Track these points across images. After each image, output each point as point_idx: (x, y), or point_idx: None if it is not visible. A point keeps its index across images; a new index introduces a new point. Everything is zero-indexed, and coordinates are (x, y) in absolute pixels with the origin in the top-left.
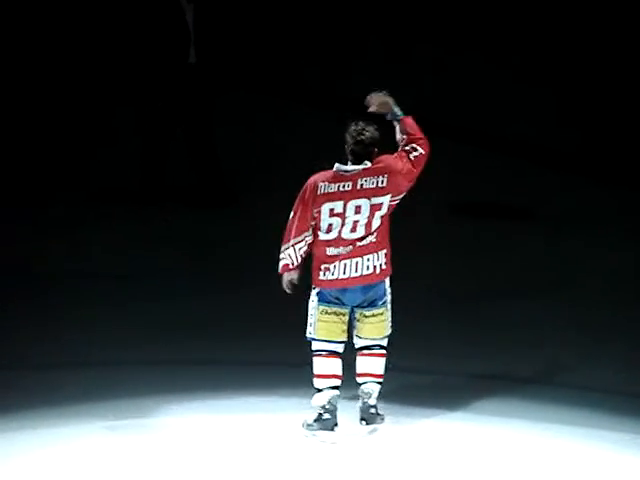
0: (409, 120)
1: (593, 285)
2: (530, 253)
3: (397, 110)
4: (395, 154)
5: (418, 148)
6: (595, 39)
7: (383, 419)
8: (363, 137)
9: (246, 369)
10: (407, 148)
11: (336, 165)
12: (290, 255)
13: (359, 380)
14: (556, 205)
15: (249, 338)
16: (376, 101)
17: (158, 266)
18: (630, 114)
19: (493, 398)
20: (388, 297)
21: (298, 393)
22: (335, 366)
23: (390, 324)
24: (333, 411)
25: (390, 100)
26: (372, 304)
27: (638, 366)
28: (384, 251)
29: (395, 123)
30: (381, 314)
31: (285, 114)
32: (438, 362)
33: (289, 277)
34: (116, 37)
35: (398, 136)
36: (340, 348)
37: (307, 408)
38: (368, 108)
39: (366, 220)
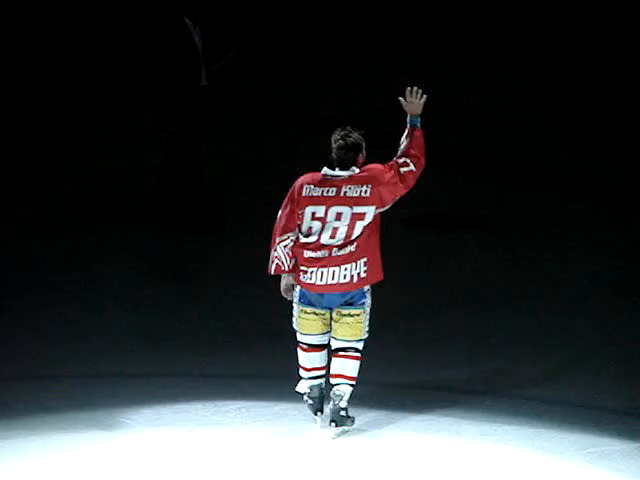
0: (419, 134)
1: (550, 295)
2: (486, 263)
3: (416, 119)
4: (386, 164)
5: (410, 164)
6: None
7: (353, 422)
8: (345, 142)
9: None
10: (400, 161)
11: (324, 169)
12: (280, 256)
13: (332, 381)
14: (511, 216)
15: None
16: (414, 99)
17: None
18: (583, 123)
19: (443, 410)
20: (367, 300)
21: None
22: (315, 359)
23: (367, 329)
24: (315, 398)
25: (421, 106)
26: (350, 304)
27: (588, 375)
28: (363, 260)
29: (407, 129)
30: (358, 315)
31: (274, 133)
32: (389, 372)
33: (286, 281)
34: (126, 61)
35: (401, 140)
36: (323, 340)
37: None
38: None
39: (346, 228)
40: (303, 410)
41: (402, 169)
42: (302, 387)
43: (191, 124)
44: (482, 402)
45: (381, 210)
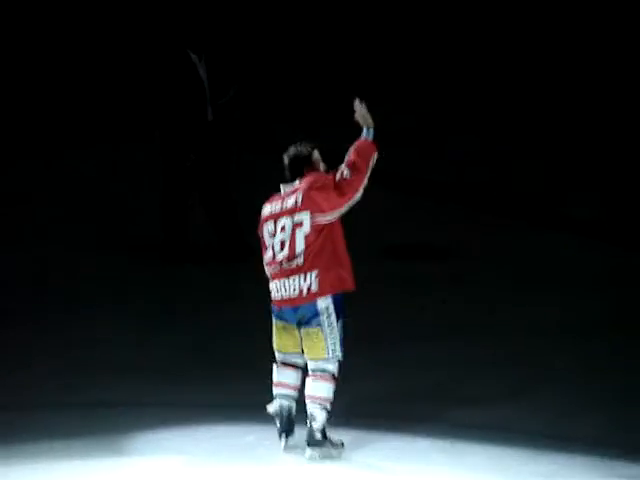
0: (365, 145)
1: (516, 326)
2: (451, 293)
3: (367, 131)
4: (329, 173)
5: (347, 173)
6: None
7: (339, 447)
8: (287, 155)
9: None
10: (341, 167)
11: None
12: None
13: (306, 401)
14: (475, 245)
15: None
16: (359, 110)
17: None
18: (549, 153)
19: (409, 439)
20: (324, 318)
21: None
22: (286, 376)
23: (333, 348)
24: (283, 418)
25: (367, 116)
26: (307, 322)
27: (551, 404)
28: (314, 272)
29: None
30: (315, 334)
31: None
32: (356, 403)
33: None
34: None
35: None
36: (295, 359)
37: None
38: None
39: (289, 239)
40: (276, 441)
41: (337, 176)
42: (272, 407)
43: (202, 159)
44: (447, 431)
45: (322, 218)
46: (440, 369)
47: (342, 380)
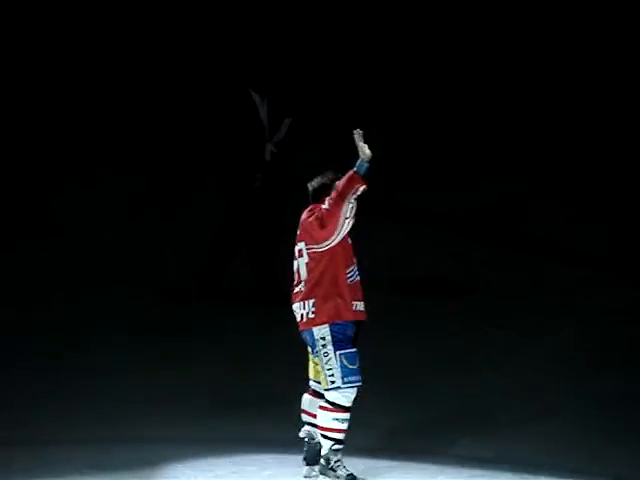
0: (350, 177)
1: (535, 358)
2: (469, 327)
3: (360, 163)
4: None
5: (326, 205)
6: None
7: (335, 478)
8: (309, 184)
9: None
10: (326, 199)
11: None
12: None
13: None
14: (491, 278)
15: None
16: (357, 141)
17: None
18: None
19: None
20: (320, 347)
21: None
22: (308, 403)
23: (332, 379)
24: (308, 445)
25: (364, 149)
26: (312, 350)
27: (575, 439)
28: (312, 300)
29: None
30: (317, 363)
31: None
32: (371, 437)
33: None
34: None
35: None
36: (315, 386)
37: None
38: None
39: (298, 265)
40: (295, 475)
41: (322, 207)
42: (302, 432)
43: (256, 202)
44: (471, 468)
45: (317, 248)
46: (459, 402)
47: (361, 412)
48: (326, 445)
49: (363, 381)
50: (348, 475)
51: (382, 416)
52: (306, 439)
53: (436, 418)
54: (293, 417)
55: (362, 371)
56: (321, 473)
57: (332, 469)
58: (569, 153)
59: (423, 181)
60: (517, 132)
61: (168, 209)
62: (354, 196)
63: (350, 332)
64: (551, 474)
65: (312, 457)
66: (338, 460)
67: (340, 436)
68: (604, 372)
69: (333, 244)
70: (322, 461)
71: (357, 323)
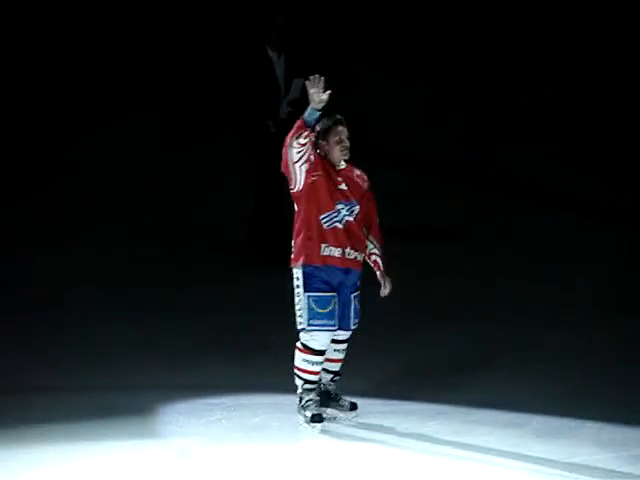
0: (296, 124)
1: (532, 306)
2: (466, 272)
3: (308, 108)
4: None
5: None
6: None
7: (306, 419)
8: None
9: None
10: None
11: None
12: None
13: None
14: (487, 225)
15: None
16: (311, 87)
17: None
18: (558, 132)
19: (426, 420)
20: (295, 288)
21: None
22: None
23: (298, 319)
24: (319, 388)
25: (312, 95)
26: None
27: (568, 386)
28: (293, 241)
29: None
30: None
31: None
32: (365, 381)
33: None
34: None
35: None
36: None
37: None
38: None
39: None
40: (283, 422)
41: None
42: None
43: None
44: (457, 412)
45: (291, 187)
46: (459, 350)
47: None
48: (298, 384)
49: (333, 326)
50: (313, 415)
51: (378, 361)
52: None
53: (432, 364)
54: (285, 363)
55: (334, 316)
56: (298, 411)
57: (302, 407)
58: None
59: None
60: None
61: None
62: (297, 141)
63: (325, 276)
64: (545, 417)
65: (322, 399)
66: (309, 400)
67: (310, 377)
68: (600, 318)
69: (296, 189)
70: (297, 400)
71: (346, 270)
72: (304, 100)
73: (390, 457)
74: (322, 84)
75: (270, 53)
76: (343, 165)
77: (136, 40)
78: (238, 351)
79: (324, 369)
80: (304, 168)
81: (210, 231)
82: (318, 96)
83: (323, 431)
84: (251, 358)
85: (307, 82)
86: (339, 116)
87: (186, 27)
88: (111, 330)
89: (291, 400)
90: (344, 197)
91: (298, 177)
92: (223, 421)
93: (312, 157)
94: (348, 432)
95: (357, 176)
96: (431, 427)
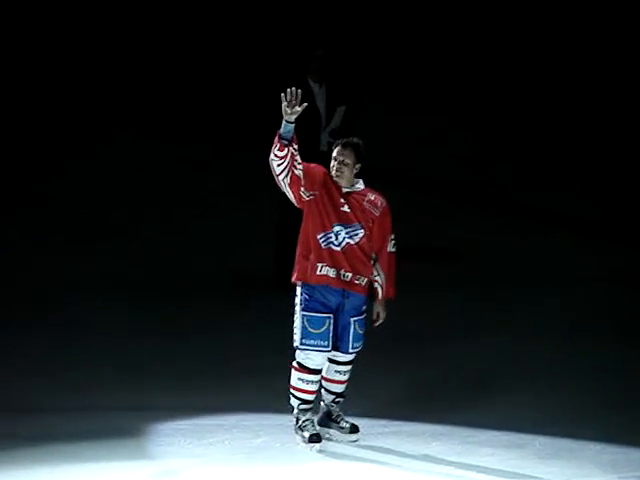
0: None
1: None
2: (464, 295)
3: (286, 125)
4: None
5: None
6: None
7: (303, 439)
8: None
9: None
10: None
11: None
12: None
13: None
14: (485, 247)
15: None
16: (284, 101)
17: None
18: (554, 153)
19: (429, 445)
20: (294, 306)
21: None
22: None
23: (294, 336)
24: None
25: (283, 108)
26: None
27: (567, 407)
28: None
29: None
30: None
31: None
32: (367, 401)
33: None
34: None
35: None
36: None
37: None
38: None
39: None
40: (286, 443)
41: None
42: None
43: None
44: (459, 433)
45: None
46: (451, 369)
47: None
48: (294, 404)
49: (326, 347)
50: (311, 435)
51: (379, 381)
52: (320, 402)
53: (433, 383)
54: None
55: (327, 337)
56: (295, 432)
57: (300, 428)
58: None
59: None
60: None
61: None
62: (273, 153)
63: (322, 297)
64: (546, 438)
65: (321, 419)
66: (306, 420)
67: (306, 396)
68: (601, 335)
69: (297, 204)
70: (294, 420)
71: (344, 291)
72: (345, 129)
73: (392, 478)
74: (298, 98)
75: (311, 84)
76: (359, 188)
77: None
78: (239, 373)
79: (325, 389)
80: (287, 181)
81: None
82: (285, 110)
83: (325, 452)
84: (252, 380)
85: (282, 95)
86: (346, 140)
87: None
88: (112, 348)
89: (293, 421)
90: (345, 219)
91: (285, 190)
92: (226, 442)
93: (297, 172)
94: (349, 453)
95: (368, 201)
96: (433, 448)
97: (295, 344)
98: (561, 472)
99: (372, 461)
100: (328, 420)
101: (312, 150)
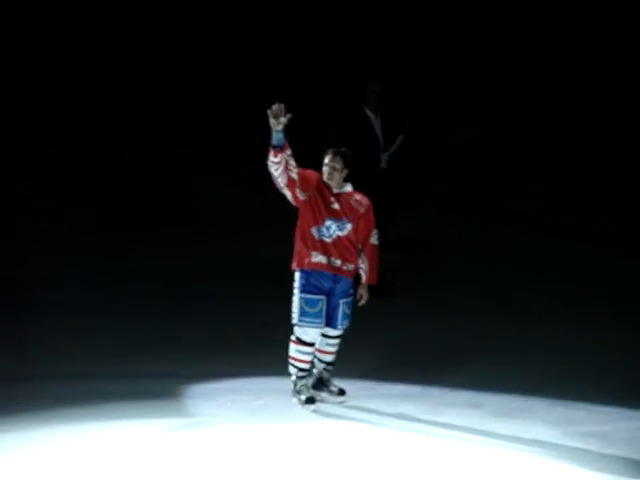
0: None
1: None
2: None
3: (275, 134)
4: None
5: None
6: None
7: (302, 403)
8: None
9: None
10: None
11: None
12: None
13: None
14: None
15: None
16: (270, 115)
17: None
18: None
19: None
20: (293, 288)
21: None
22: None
23: (293, 314)
24: (313, 374)
25: (273, 122)
26: None
27: (520, 369)
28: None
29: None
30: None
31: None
32: (355, 368)
33: None
34: None
35: None
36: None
37: None
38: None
39: None
40: (284, 404)
41: None
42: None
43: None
44: (430, 394)
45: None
46: (425, 342)
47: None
48: (292, 372)
49: (320, 323)
50: (307, 398)
51: (364, 352)
52: (314, 370)
53: (410, 354)
54: (279, 355)
55: (321, 315)
56: (293, 395)
57: (297, 392)
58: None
59: None
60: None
61: None
62: (270, 160)
63: (315, 281)
64: (502, 399)
65: (314, 384)
66: (302, 385)
67: (303, 365)
68: (562, 313)
69: (293, 202)
70: (292, 385)
71: (334, 276)
72: (401, 152)
73: (372, 434)
74: (282, 110)
75: (368, 113)
76: (347, 190)
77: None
78: (244, 345)
79: (318, 359)
80: (284, 182)
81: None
82: (273, 122)
83: (316, 411)
84: (257, 351)
85: (269, 110)
86: (336, 149)
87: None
88: (131, 324)
89: (289, 386)
90: (335, 215)
91: (283, 191)
92: (229, 404)
93: (293, 175)
94: (338, 412)
95: (355, 200)
96: (406, 408)
97: (293, 321)
98: (514, 428)
99: (356, 419)
100: (320, 384)
101: (373, 168)
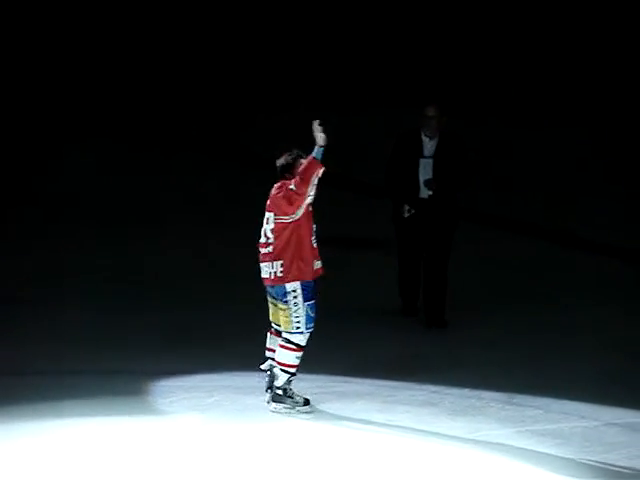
0: (311, 162)
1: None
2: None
3: (317, 149)
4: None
5: (293, 186)
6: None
7: (298, 403)
8: (277, 160)
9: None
10: (292, 179)
11: None
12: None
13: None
14: None
15: None
16: (316, 130)
17: None
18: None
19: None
20: (291, 299)
21: None
22: (272, 341)
23: (298, 325)
24: (269, 375)
25: (321, 137)
26: (280, 299)
27: (478, 367)
28: (280, 262)
29: None
30: (284, 310)
31: None
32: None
33: None
34: None
35: None
36: (277, 327)
37: None
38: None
39: (264, 231)
40: (236, 401)
41: (289, 187)
42: (264, 365)
43: (413, 231)
44: (381, 393)
45: (284, 218)
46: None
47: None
48: (284, 378)
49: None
50: (305, 399)
51: (321, 354)
52: (268, 370)
53: (366, 353)
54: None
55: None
56: (273, 400)
57: (290, 396)
58: None
59: None
60: None
61: None
62: (317, 178)
63: (313, 285)
64: (456, 398)
65: (270, 386)
66: (291, 389)
67: (294, 370)
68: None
69: (297, 217)
70: (277, 391)
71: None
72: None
73: (323, 432)
74: (321, 127)
75: (423, 137)
76: None
77: None
78: (201, 343)
79: (272, 358)
80: (312, 195)
81: None
82: (321, 137)
83: (266, 409)
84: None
85: (314, 125)
86: (298, 152)
87: None
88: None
89: (244, 383)
90: (312, 215)
91: (302, 204)
92: (184, 401)
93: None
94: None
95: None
96: (359, 405)
97: (300, 330)
98: (467, 427)
99: (309, 419)
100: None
101: (412, 196)
